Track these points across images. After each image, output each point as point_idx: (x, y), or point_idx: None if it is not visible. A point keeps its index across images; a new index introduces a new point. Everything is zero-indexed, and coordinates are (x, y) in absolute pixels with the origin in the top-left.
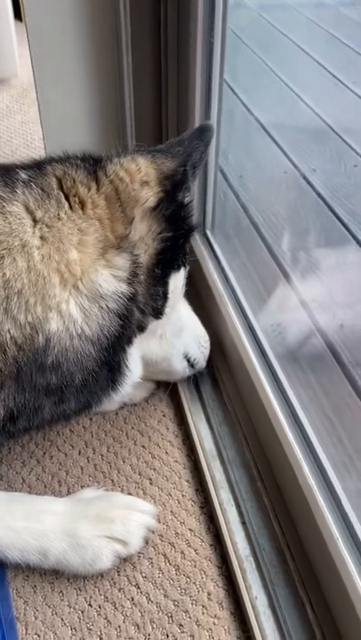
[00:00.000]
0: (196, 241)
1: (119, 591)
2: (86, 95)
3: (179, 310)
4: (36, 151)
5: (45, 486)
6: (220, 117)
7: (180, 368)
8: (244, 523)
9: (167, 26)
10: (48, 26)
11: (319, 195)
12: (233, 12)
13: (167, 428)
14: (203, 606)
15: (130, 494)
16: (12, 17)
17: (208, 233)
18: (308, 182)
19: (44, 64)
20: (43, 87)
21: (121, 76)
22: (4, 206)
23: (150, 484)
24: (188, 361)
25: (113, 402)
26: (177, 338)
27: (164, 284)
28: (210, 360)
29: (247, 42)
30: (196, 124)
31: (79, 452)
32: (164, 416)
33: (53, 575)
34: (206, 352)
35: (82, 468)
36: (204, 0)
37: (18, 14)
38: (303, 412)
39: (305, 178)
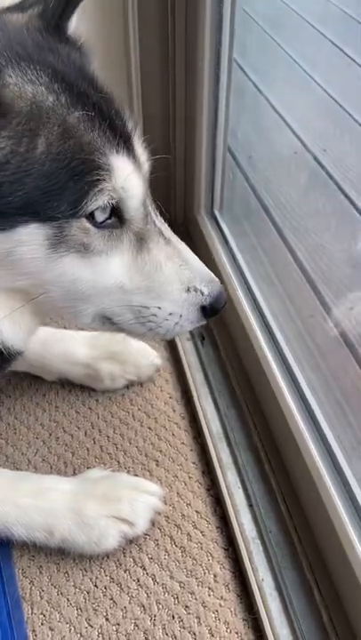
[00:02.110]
0: (204, 221)
1: (125, 572)
2: None
3: (74, 265)
4: None
5: (51, 467)
6: (229, 96)
7: (94, 325)
8: (251, 505)
9: (175, 1)
10: None
11: (330, 175)
12: None
13: (174, 410)
14: (209, 588)
15: (136, 476)
16: None
17: (216, 213)
18: (319, 163)
19: None
20: None
21: (127, 53)
22: None
23: (157, 465)
24: (112, 322)
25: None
26: (79, 300)
27: None
28: (216, 343)
29: (257, 19)
30: (205, 103)
31: (85, 434)
32: (170, 398)
33: (59, 556)
34: (156, 324)
35: (88, 450)
36: None
37: None
38: (312, 395)
39: (315, 158)
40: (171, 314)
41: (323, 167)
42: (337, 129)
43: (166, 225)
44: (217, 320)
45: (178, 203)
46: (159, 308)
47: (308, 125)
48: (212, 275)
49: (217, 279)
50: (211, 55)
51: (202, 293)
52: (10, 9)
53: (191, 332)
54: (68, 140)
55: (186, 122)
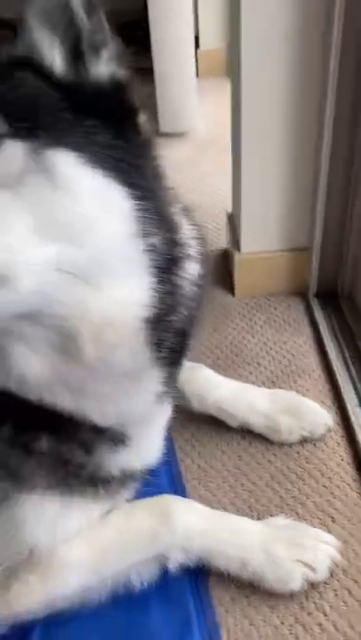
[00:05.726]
0: None
1: (308, 615)
2: (282, 178)
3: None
4: (215, 200)
5: (237, 510)
6: None
7: None
8: None
9: None
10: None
11: None
12: None
13: (346, 472)
14: None
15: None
16: (195, 75)
17: None
18: None
19: (250, 134)
20: (244, 151)
21: (318, 161)
22: None
23: (333, 522)
24: None
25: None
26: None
27: None
28: None
29: None
30: None
31: (266, 484)
32: (342, 460)
33: (248, 589)
34: None
35: (269, 499)
36: None
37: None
38: None
39: None
40: None
41: None
42: None
43: None
44: None
45: (347, 275)
46: None
47: None
48: None
49: None
50: None
51: None
52: None
53: (360, 398)
54: None
55: None
